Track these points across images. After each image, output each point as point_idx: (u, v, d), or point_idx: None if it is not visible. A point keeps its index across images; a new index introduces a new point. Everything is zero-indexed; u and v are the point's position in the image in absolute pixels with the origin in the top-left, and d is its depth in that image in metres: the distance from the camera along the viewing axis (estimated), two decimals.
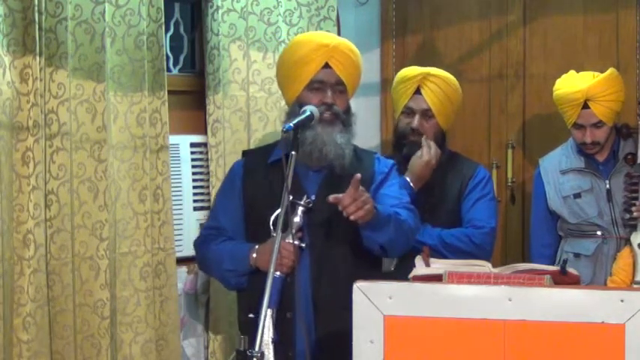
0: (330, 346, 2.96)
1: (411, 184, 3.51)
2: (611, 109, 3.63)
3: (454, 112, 3.68)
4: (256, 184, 3.16)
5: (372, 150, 3.47)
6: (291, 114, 3.10)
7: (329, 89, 3.08)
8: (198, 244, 3.28)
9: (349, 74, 3.12)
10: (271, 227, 2.96)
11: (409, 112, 3.61)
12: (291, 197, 2.82)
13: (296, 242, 2.93)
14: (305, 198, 2.99)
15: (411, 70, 3.65)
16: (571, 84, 3.68)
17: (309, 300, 3.03)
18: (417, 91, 3.59)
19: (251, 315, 2.76)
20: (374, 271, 3.18)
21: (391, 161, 3.32)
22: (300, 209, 2.98)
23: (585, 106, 3.61)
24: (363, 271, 2.96)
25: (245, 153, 3.38)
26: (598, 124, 3.64)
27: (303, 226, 3.00)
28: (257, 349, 2.58)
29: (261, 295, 2.69)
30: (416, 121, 3.58)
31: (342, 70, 3.10)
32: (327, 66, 3.09)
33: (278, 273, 2.91)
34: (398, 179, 3.29)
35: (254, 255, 3.04)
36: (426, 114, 3.59)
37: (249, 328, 2.80)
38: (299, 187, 3.04)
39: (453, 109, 3.66)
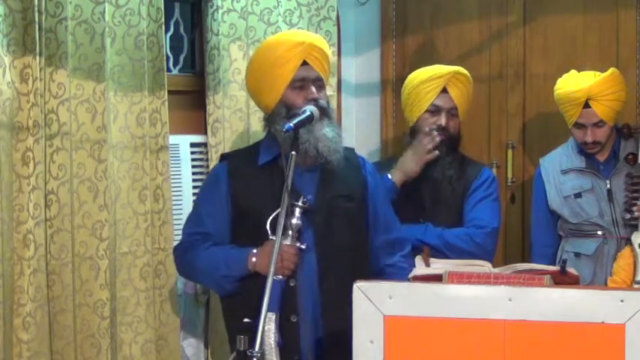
0: (337, 346, 2.93)
1: (397, 185, 3.53)
2: (612, 109, 3.63)
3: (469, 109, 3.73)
4: (247, 187, 3.10)
5: (351, 147, 3.40)
6: (277, 115, 3.06)
7: (311, 85, 3.09)
8: (180, 251, 3.18)
9: (324, 70, 3.15)
10: (268, 230, 2.92)
11: (435, 110, 3.59)
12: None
13: (297, 244, 2.92)
14: (302, 199, 2.96)
15: (439, 69, 3.63)
16: (572, 83, 3.68)
17: (316, 300, 3.02)
18: (443, 90, 3.58)
19: (246, 320, 2.69)
20: None
21: (371, 164, 3.34)
22: (297, 210, 2.94)
23: (586, 105, 3.61)
24: (367, 267, 2.99)
25: (225, 156, 3.27)
26: (599, 124, 3.64)
27: (303, 228, 2.98)
28: (257, 349, 2.57)
29: (259, 300, 2.65)
30: (444, 119, 3.58)
31: (319, 66, 3.11)
32: (304, 63, 3.09)
33: (280, 276, 2.89)
34: (384, 186, 3.33)
35: (253, 259, 2.98)
36: (451, 112, 3.60)
37: (245, 333, 2.76)
38: (293, 188, 2.99)
39: (470, 106, 3.70)
